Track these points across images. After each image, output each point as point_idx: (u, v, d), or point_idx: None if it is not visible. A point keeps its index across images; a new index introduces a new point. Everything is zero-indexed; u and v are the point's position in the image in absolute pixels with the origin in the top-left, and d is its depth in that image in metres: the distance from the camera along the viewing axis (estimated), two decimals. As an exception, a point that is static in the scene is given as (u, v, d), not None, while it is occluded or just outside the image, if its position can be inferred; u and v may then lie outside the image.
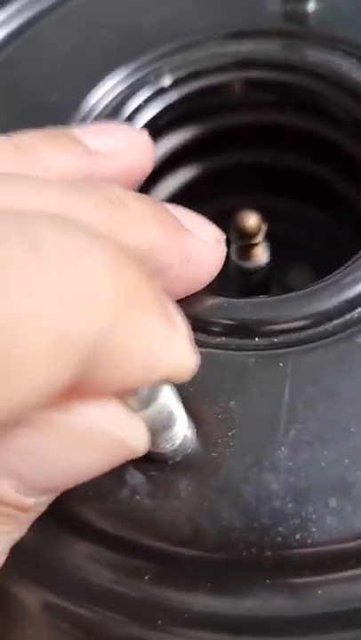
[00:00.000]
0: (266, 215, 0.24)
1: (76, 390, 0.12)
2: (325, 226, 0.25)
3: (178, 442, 0.15)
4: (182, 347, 0.13)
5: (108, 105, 0.21)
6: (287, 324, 0.17)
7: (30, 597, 0.16)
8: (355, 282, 0.17)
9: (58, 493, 0.14)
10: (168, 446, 0.15)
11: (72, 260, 0.11)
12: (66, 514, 0.16)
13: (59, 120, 0.21)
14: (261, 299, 0.18)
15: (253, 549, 0.15)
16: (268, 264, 0.23)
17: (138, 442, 0.13)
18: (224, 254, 0.18)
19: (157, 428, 0.14)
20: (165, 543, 0.16)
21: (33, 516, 0.14)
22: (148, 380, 0.13)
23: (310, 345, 0.17)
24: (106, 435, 0.12)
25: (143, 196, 0.17)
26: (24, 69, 0.22)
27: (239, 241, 0.22)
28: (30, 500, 0.13)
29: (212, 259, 0.18)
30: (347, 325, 0.17)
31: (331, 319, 0.17)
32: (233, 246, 0.23)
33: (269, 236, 0.24)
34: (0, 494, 0.13)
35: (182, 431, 0.15)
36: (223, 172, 0.25)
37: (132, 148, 0.19)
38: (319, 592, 0.15)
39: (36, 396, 0.11)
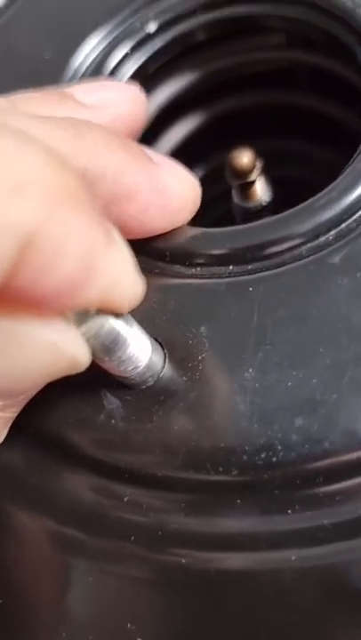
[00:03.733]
0: (275, 158, 0.23)
1: (14, 298, 0.12)
2: (337, 166, 0.25)
3: (141, 366, 0.16)
4: (121, 259, 0.13)
5: (96, 56, 0.21)
6: (260, 250, 0.17)
7: (18, 516, 0.17)
8: (327, 205, 0.17)
9: (12, 399, 0.15)
10: (130, 369, 0.16)
11: (2, 153, 0.12)
12: (49, 439, 0.17)
13: (54, 75, 0.22)
14: (234, 227, 0.18)
15: (221, 468, 0.16)
16: (272, 203, 0.23)
17: (76, 352, 0.14)
18: (198, 191, 0.19)
19: (101, 346, 0.15)
20: (139, 465, 0.16)
21: None
22: (87, 288, 0.13)
23: (282, 269, 0.17)
24: (42, 340, 0.13)
25: (108, 129, 0.18)
26: (22, 32, 0.23)
27: (235, 180, 0.22)
28: None
29: (183, 191, 0.18)
30: (320, 248, 0.17)
31: (305, 243, 0.17)
32: (233, 188, 0.23)
33: (279, 180, 0.24)
34: None
35: (144, 356, 0.16)
36: (228, 116, 0.25)
37: (122, 99, 0.20)
38: (289, 511, 0.15)
39: None
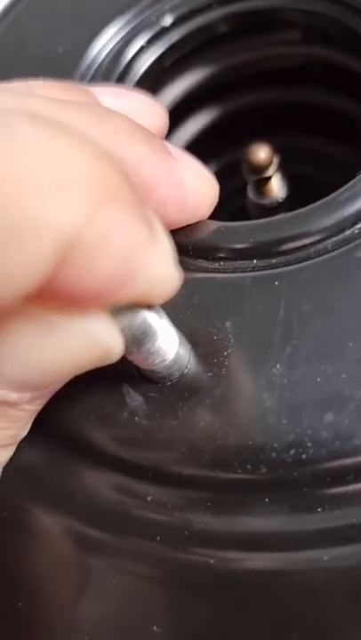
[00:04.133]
0: (289, 155, 0.23)
1: (54, 295, 0.12)
2: (351, 163, 0.24)
3: (168, 359, 0.15)
4: (164, 256, 0.13)
5: (112, 48, 0.21)
6: (284, 244, 0.17)
7: (38, 516, 0.17)
8: (351, 199, 0.17)
9: (40, 391, 0.14)
10: (157, 362, 0.15)
11: (44, 147, 0.11)
12: (70, 437, 0.17)
13: (66, 69, 0.22)
14: (258, 221, 0.18)
15: (249, 466, 0.15)
16: (288, 200, 0.22)
17: (111, 342, 0.13)
18: (215, 187, 0.18)
19: (132, 337, 0.14)
20: (164, 463, 0.16)
21: (23, 414, 0.14)
22: (128, 286, 0.13)
23: (307, 263, 0.17)
24: (81, 330, 0.13)
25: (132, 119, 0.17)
26: (32, 26, 0.22)
27: (252, 175, 0.21)
28: (13, 396, 0.14)
29: (200, 186, 0.17)
30: (346, 242, 0.17)
31: (330, 236, 0.17)
32: (249, 184, 0.23)
33: (293, 176, 0.23)
34: None
35: (172, 349, 0.15)
36: (244, 112, 0.24)
37: (145, 111, 0.19)
38: (318, 510, 0.15)
39: (8, 285, 0.11)
